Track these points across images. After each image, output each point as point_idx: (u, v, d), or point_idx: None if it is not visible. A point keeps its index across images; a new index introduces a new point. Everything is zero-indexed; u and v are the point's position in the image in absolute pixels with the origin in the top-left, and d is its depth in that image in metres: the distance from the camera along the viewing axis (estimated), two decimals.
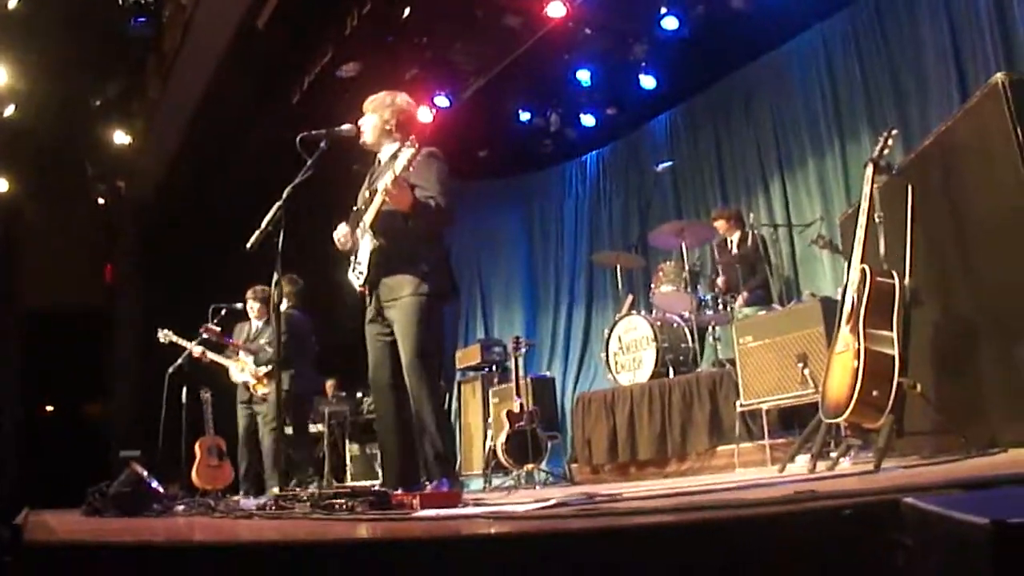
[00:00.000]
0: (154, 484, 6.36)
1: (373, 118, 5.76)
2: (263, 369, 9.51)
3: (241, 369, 9.71)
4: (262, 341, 9.60)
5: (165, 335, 10.07)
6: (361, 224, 5.54)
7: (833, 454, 5.19)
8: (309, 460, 10.38)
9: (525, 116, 13.57)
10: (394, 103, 5.79)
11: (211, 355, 9.94)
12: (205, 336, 9.77)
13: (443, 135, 11.37)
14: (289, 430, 9.15)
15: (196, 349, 9.89)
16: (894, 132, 5.33)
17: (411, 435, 5.42)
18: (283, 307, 9.46)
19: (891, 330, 4.66)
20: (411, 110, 5.91)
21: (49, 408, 15.94)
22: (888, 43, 10.16)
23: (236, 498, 8.73)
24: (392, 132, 5.70)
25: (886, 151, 5.22)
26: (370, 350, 5.68)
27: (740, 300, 9.20)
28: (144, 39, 11.85)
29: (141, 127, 13.67)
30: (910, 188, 5.07)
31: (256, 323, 9.84)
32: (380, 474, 8.38)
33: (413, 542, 2.50)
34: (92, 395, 15.72)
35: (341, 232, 5.79)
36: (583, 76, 12.56)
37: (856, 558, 1.79)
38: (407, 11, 10.69)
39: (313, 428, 12.69)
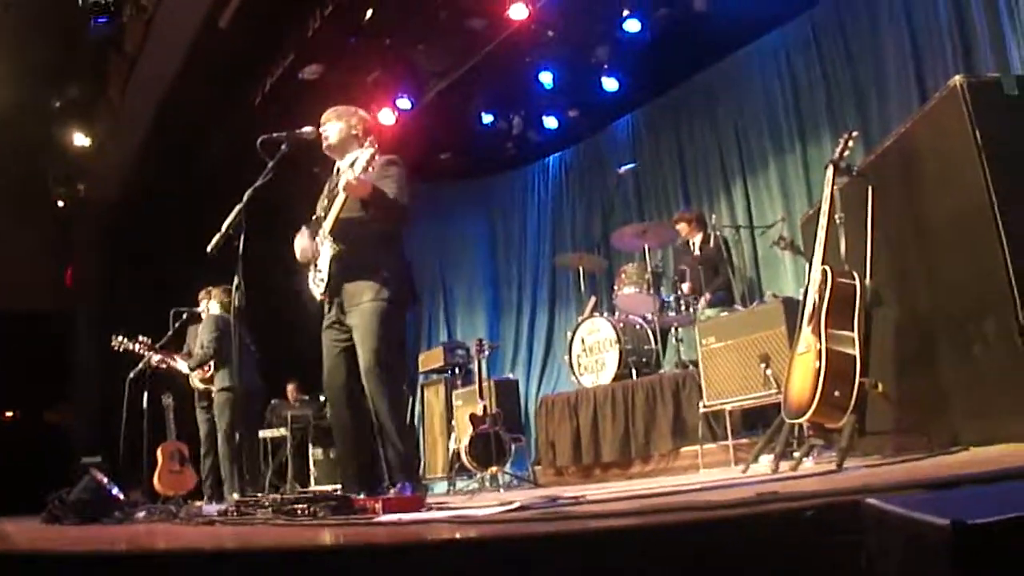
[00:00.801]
0: (115, 491, 6.31)
1: (339, 124, 5.76)
2: (205, 372, 9.65)
3: (198, 373, 9.75)
4: (196, 347, 9.71)
5: (119, 342, 10.03)
6: (321, 231, 5.52)
7: (796, 454, 5.21)
8: (260, 467, 10.41)
9: (488, 118, 13.56)
10: (358, 112, 5.84)
11: (168, 361, 9.92)
12: (134, 348, 9.83)
13: (405, 137, 11.37)
14: (238, 436, 9.17)
15: (155, 357, 9.86)
16: (854, 134, 5.36)
17: (370, 439, 5.41)
18: (216, 311, 9.56)
19: (852, 330, 4.68)
20: (373, 122, 5.96)
21: (9, 414, 15.80)
22: (848, 45, 10.23)
23: (198, 504, 8.69)
24: (358, 137, 5.71)
25: (847, 152, 5.25)
26: (325, 356, 5.65)
27: (703, 301, 9.22)
28: (104, 40, 11.74)
29: (102, 129, 13.56)
30: (870, 189, 5.09)
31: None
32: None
33: (376, 547, 2.49)
34: (53, 400, 15.59)
35: (301, 244, 5.77)
36: (545, 78, 12.57)
37: (818, 559, 1.79)
38: (369, 13, 10.67)
39: (275, 432, 12.66)
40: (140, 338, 9.92)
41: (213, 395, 9.54)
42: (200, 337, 9.67)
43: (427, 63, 11.99)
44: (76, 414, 15.00)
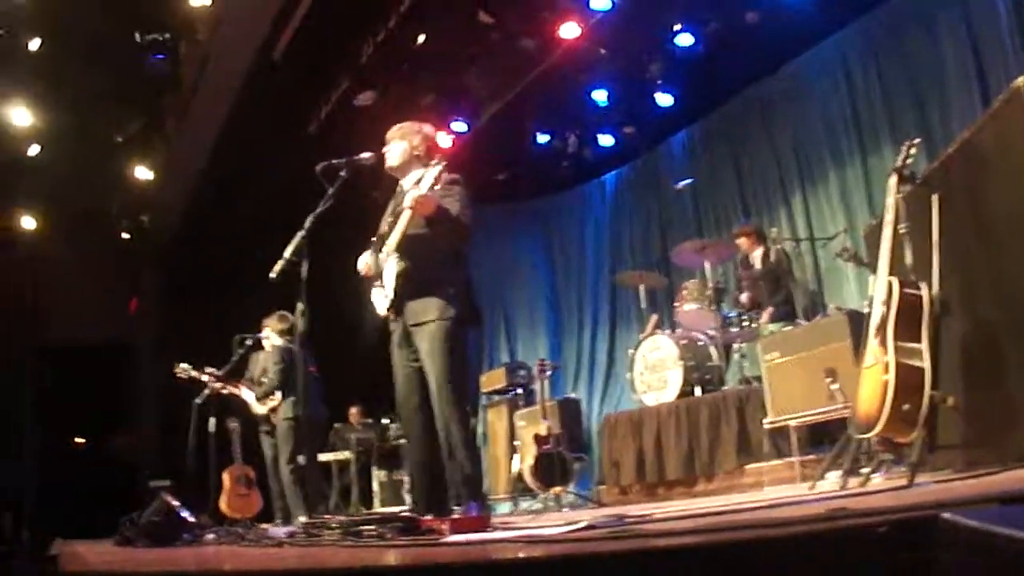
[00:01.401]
0: (185, 514, 6.37)
1: (402, 144, 5.79)
2: (271, 402, 9.67)
3: (262, 403, 9.85)
4: (257, 374, 9.79)
5: (183, 370, 10.13)
6: (386, 247, 5.54)
7: (864, 470, 5.13)
8: (325, 490, 10.45)
9: (543, 138, 13.58)
10: (422, 130, 5.87)
11: (232, 389, 10.01)
12: (201, 377, 9.92)
13: (461, 160, 11.38)
14: (301, 459, 9.25)
15: (218, 384, 9.95)
16: (917, 141, 5.28)
17: (440, 460, 5.42)
18: (278, 342, 9.64)
19: (921, 342, 4.61)
20: (436, 139, 5.99)
21: (79, 441, 16.02)
22: (906, 51, 10.07)
23: (265, 526, 8.74)
24: (421, 157, 5.74)
25: (909, 160, 5.17)
26: (397, 376, 5.68)
27: (765, 316, 9.14)
28: (162, 75, 11.92)
29: (162, 162, 13.76)
30: (935, 197, 5.01)
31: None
32: (408, 500, 8.39)
33: (444, 567, 2.48)
34: (120, 427, 15.80)
35: (364, 261, 5.80)
36: (599, 96, 12.56)
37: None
38: (421, 38, 10.71)
39: (340, 455, 12.73)
40: (207, 369, 10.01)
41: (275, 421, 9.63)
42: (264, 366, 9.77)
43: (480, 85, 12.02)
44: (143, 440, 15.19)
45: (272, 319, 9.73)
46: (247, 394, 9.94)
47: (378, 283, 5.66)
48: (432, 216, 5.29)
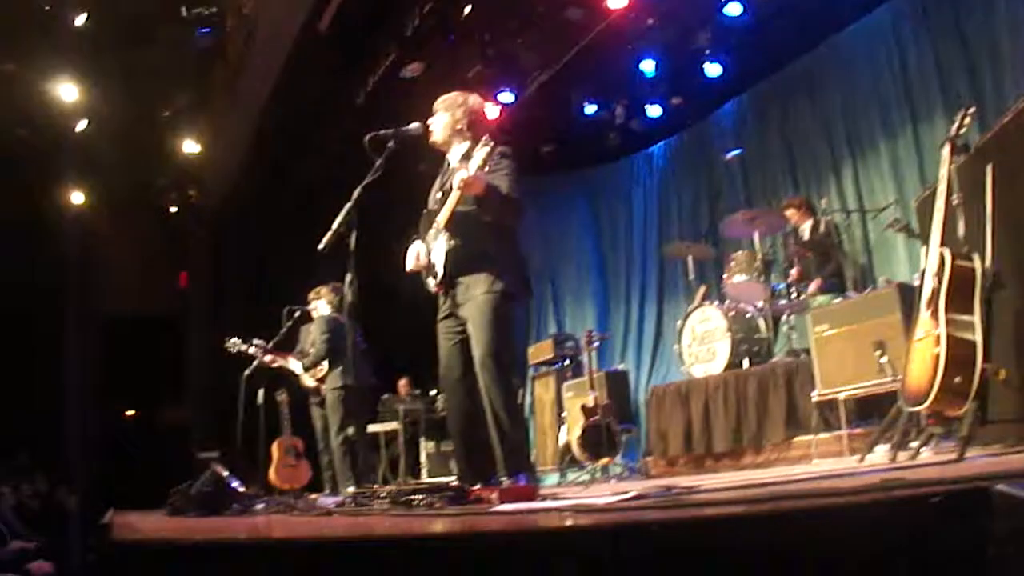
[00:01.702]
0: (235, 484, 6.43)
1: (444, 117, 5.79)
2: (318, 372, 9.86)
3: (311, 373, 9.93)
4: (307, 345, 9.85)
5: (233, 344, 10.22)
6: (435, 224, 5.55)
7: (914, 444, 5.10)
8: (373, 461, 10.52)
9: (590, 109, 13.51)
10: (466, 103, 5.83)
11: (280, 361, 10.09)
12: (247, 349, 10.01)
13: (508, 131, 11.36)
14: (351, 430, 9.33)
15: (269, 358, 10.03)
16: (971, 110, 5.21)
17: (485, 431, 5.43)
18: (327, 311, 9.70)
19: (973, 315, 4.57)
20: (482, 110, 5.94)
21: (130, 412, 16.20)
22: (959, 18, 9.87)
23: (314, 497, 8.81)
24: (463, 131, 5.73)
25: (963, 129, 5.11)
26: (441, 347, 5.71)
27: (814, 288, 9.09)
28: (208, 49, 11.97)
29: (209, 135, 13.82)
30: (989, 167, 4.96)
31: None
32: (455, 471, 8.43)
33: (494, 535, 2.49)
34: (171, 399, 15.96)
35: (413, 253, 5.79)
36: (647, 66, 12.46)
37: (944, 546, 1.76)
38: (468, 8, 10.69)
39: (388, 426, 12.80)
40: (255, 341, 10.10)
41: (324, 392, 9.71)
42: (312, 337, 9.84)
43: (527, 56, 11.97)
44: (192, 412, 15.33)
45: (324, 289, 9.79)
46: (294, 364, 10.03)
47: (427, 270, 5.68)
48: (482, 196, 5.29)
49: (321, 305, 9.87)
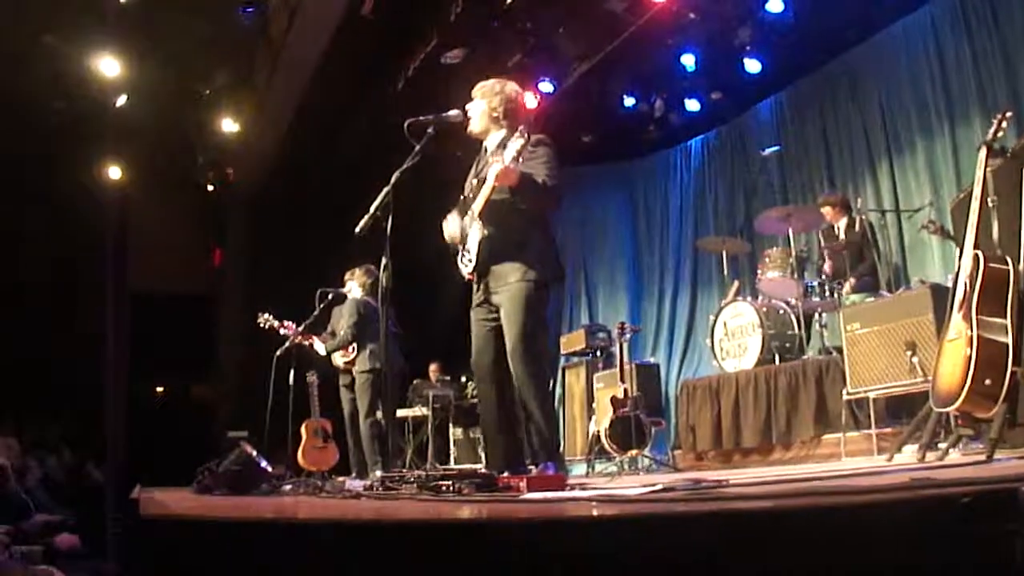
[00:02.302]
0: (263, 464, 6.49)
1: (481, 104, 5.79)
2: (347, 355, 9.95)
3: (341, 354, 9.97)
4: (338, 327, 9.93)
5: (265, 320, 10.29)
6: (469, 212, 5.57)
7: (942, 444, 5.11)
8: (401, 445, 10.56)
9: (629, 101, 13.51)
10: (503, 91, 5.81)
11: (308, 341, 10.15)
12: (294, 331, 10.06)
13: (547, 121, 11.38)
14: (379, 415, 9.38)
15: (296, 337, 10.09)
16: (1008, 114, 5.20)
17: (515, 419, 5.46)
18: (359, 294, 9.72)
19: (1005, 317, 4.57)
20: (519, 98, 5.91)
21: (159, 389, 16.32)
22: (999, 21, 9.84)
23: (342, 479, 8.86)
24: (499, 120, 5.72)
25: (1000, 133, 5.11)
26: (474, 335, 5.73)
27: (847, 286, 9.07)
28: (251, 28, 12.02)
29: (249, 114, 13.87)
30: None
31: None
32: (483, 458, 8.45)
33: (521, 523, 2.52)
34: (201, 377, 16.07)
35: (449, 228, 5.83)
36: (687, 61, 12.46)
37: (973, 547, 1.77)
38: None
39: (417, 411, 12.85)
40: (286, 323, 10.16)
41: (354, 375, 9.75)
42: (341, 320, 9.88)
43: (568, 46, 11.98)
44: (222, 390, 15.43)
45: (358, 271, 9.82)
46: (319, 346, 10.07)
47: (462, 247, 5.71)
48: (516, 188, 5.30)
49: (354, 287, 9.90)
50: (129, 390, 14.84)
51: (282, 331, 10.16)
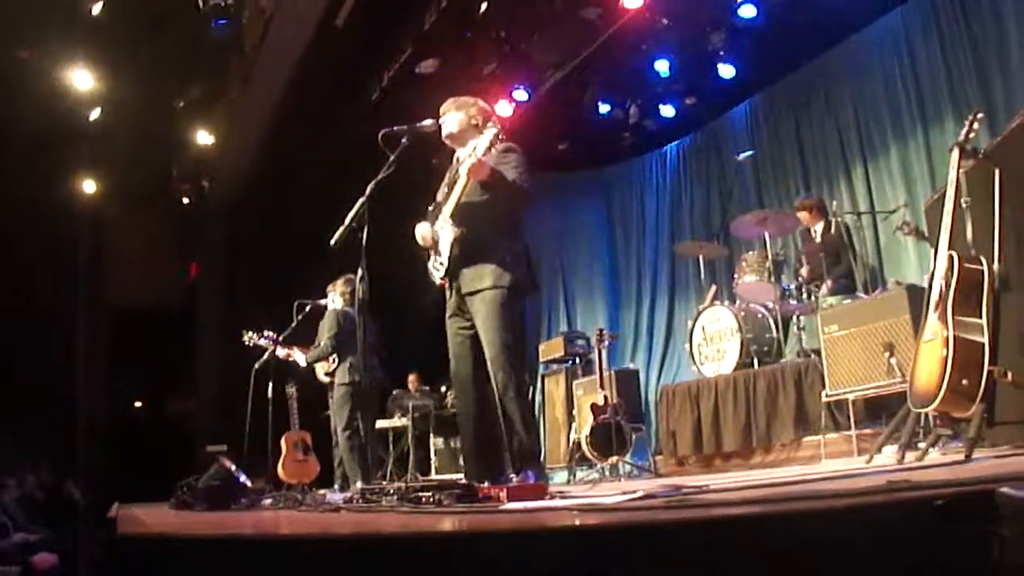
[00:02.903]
0: (242, 478, 6.47)
1: (459, 114, 5.80)
2: (327, 366, 9.85)
3: (323, 367, 9.94)
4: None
5: (249, 338, 10.23)
6: (441, 215, 5.57)
7: (922, 444, 5.13)
8: (382, 456, 10.55)
9: (604, 108, 13.53)
10: (477, 103, 5.87)
11: (287, 351, 10.11)
12: (259, 342, 10.01)
13: (522, 129, 11.38)
14: (359, 426, 9.37)
15: (281, 351, 10.05)
16: (979, 115, 5.23)
17: (495, 429, 5.44)
18: (339, 305, 9.69)
19: (980, 317, 4.59)
20: (492, 112, 5.97)
21: (137, 404, 16.25)
22: (969, 24, 9.93)
23: (323, 492, 8.84)
24: (478, 127, 5.73)
25: (972, 134, 5.14)
26: (451, 345, 5.72)
27: (825, 289, 9.11)
28: (225, 41, 12.00)
29: (224, 127, 13.86)
30: (997, 171, 4.98)
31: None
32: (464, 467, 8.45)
33: (501, 534, 2.52)
34: (179, 391, 15.99)
35: (421, 230, 5.83)
36: (661, 67, 12.50)
37: (950, 549, 1.78)
38: (484, 6, 10.72)
39: (397, 422, 12.82)
40: (265, 332, 10.11)
41: (335, 387, 9.72)
42: (322, 332, 9.85)
43: (542, 54, 11.99)
44: (200, 404, 15.37)
45: (339, 282, 9.78)
46: (299, 357, 10.04)
47: (433, 252, 5.71)
48: (487, 181, 5.30)
49: (335, 298, 9.87)
50: (107, 405, 14.78)
51: (262, 341, 10.11)
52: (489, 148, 5.18)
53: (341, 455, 9.69)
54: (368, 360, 9.24)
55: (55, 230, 14.04)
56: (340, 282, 9.76)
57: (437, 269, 5.66)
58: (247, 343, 10.22)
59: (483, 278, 5.43)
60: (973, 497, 1.79)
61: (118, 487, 10.09)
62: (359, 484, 7.42)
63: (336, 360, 9.67)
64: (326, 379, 9.99)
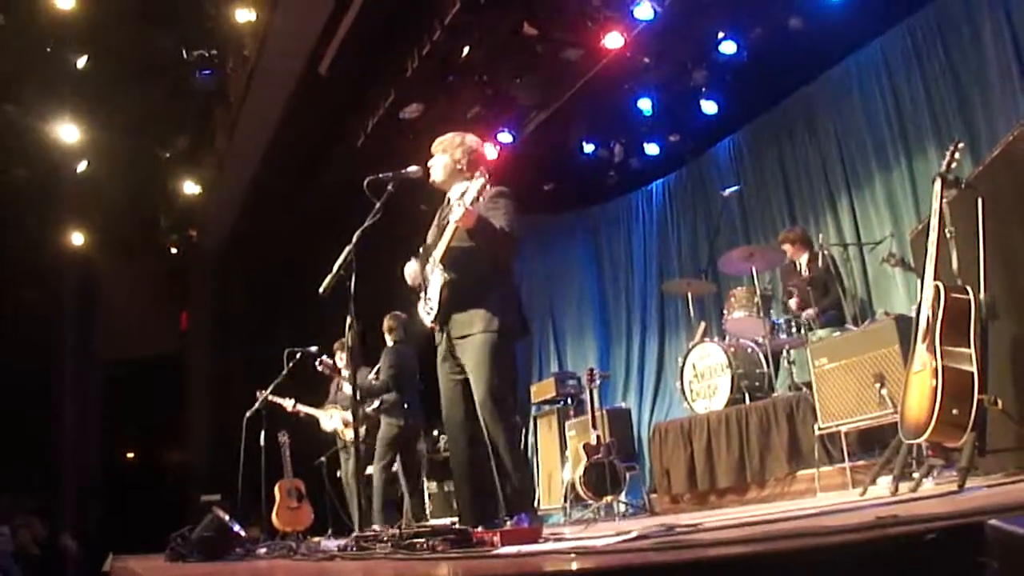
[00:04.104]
0: (236, 528, 6.43)
1: (444, 158, 5.81)
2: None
3: (330, 417, 9.92)
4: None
5: (264, 399, 10.13)
6: (431, 259, 5.57)
7: (916, 475, 5.13)
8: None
9: (589, 148, 13.60)
10: (464, 142, 5.84)
11: (302, 408, 10.11)
12: (318, 367, 9.90)
13: (508, 171, 11.43)
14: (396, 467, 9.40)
15: (288, 403, 10.05)
16: (961, 145, 5.26)
17: (488, 472, 5.43)
18: (389, 342, 9.63)
19: (969, 346, 4.60)
20: (480, 149, 5.96)
21: (130, 455, 16.20)
22: (950, 54, 10.01)
23: (317, 539, 8.80)
24: (463, 171, 5.73)
25: (954, 164, 5.16)
26: (443, 390, 5.71)
27: (809, 317, 9.11)
28: (209, 91, 12.05)
29: (210, 177, 13.89)
30: (980, 200, 5.00)
31: (345, 373, 10.04)
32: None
33: None
34: (171, 441, 15.96)
35: (411, 269, 5.83)
36: (644, 105, 12.58)
37: None
38: (466, 50, 10.78)
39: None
40: (323, 358, 9.93)
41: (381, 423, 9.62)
42: (376, 370, 9.70)
43: (526, 96, 12.05)
44: (193, 453, 15.33)
45: (387, 319, 9.66)
46: (323, 418, 10.04)
47: (423, 295, 5.71)
48: (474, 229, 5.29)
49: (387, 337, 9.78)
50: (99, 457, 14.73)
51: (320, 368, 9.98)
52: (478, 196, 5.18)
53: (349, 497, 9.72)
54: (415, 399, 9.31)
55: (45, 283, 14.05)
56: (387, 319, 9.66)
57: (428, 313, 5.65)
58: (259, 405, 10.11)
59: (474, 323, 5.43)
60: (963, 530, 1.78)
61: (112, 538, 10.05)
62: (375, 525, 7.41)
63: (381, 401, 9.54)
64: (335, 425, 9.94)
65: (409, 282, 5.86)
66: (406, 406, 9.40)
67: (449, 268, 5.46)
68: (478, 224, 5.27)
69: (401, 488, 9.90)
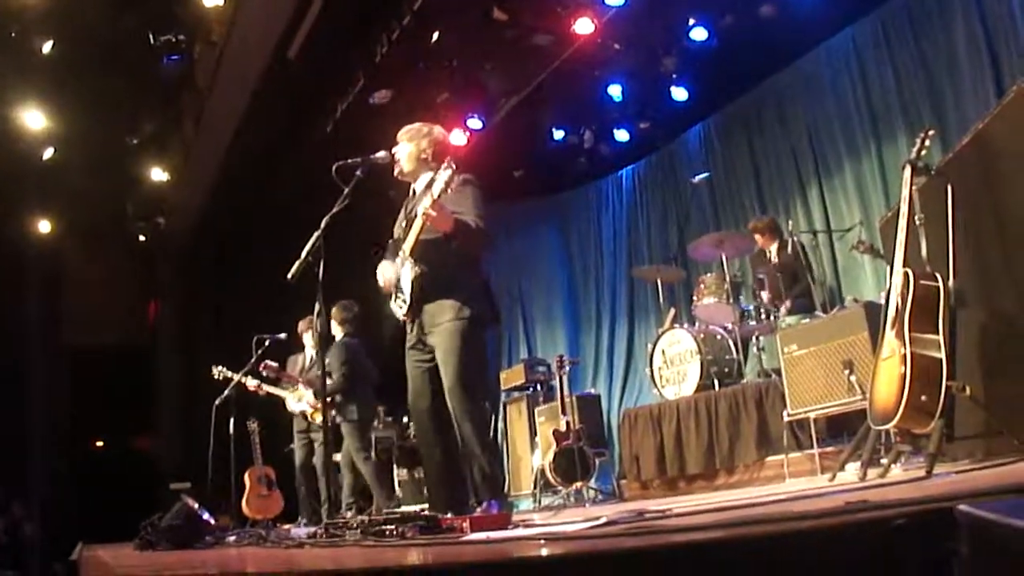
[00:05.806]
0: (206, 516, 6.40)
1: (409, 147, 5.78)
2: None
3: (298, 399, 9.84)
4: (317, 372, 9.63)
5: (220, 372, 10.13)
6: (401, 252, 5.55)
7: (884, 461, 5.14)
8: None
9: (559, 134, 13.60)
10: (430, 133, 5.83)
11: (267, 387, 10.04)
12: (263, 373, 9.85)
13: (477, 157, 11.39)
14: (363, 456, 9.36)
15: (251, 382, 9.97)
16: (931, 132, 5.27)
17: (456, 459, 5.43)
18: (338, 335, 9.60)
19: (937, 333, 4.61)
20: (445, 140, 5.96)
21: (99, 444, 16.09)
22: (920, 42, 10.05)
23: (287, 527, 8.78)
24: (428, 161, 5.72)
25: (923, 152, 5.17)
26: (410, 377, 5.70)
27: (783, 309, 9.13)
28: (177, 77, 11.96)
29: (178, 163, 13.81)
30: (949, 188, 5.00)
31: (311, 353, 10.01)
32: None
33: (465, 566, 2.50)
34: (140, 430, 15.86)
35: (384, 272, 5.80)
36: (614, 91, 12.59)
37: (910, 569, 1.77)
38: (436, 35, 10.74)
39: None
40: (267, 363, 9.87)
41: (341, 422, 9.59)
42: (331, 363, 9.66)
43: (496, 82, 12.04)
44: (162, 441, 15.26)
45: (335, 309, 9.60)
46: (304, 390, 9.97)
47: (395, 289, 5.68)
48: (452, 233, 5.28)
49: (335, 328, 9.74)
50: (68, 446, 14.64)
51: (264, 372, 9.92)
52: (445, 189, 5.14)
53: (310, 488, 9.67)
54: (367, 393, 9.28)
55: (12, 270, 13.92)
56: (336, 310, 9.60)
57: (400, 307, 5.63)
58: (216, 376, 10.10)
59: (444, 312, 5.43)
60: (932, 515, 1.78)
61: (81, 527, 9.99)
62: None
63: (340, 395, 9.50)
64: (310, 410, 9.87)
65: (383, 287, 5.83)
66: (357, 403, 9.38)
67: (419, 261, 5.45)
68: (456, 228, 5.26)
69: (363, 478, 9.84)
